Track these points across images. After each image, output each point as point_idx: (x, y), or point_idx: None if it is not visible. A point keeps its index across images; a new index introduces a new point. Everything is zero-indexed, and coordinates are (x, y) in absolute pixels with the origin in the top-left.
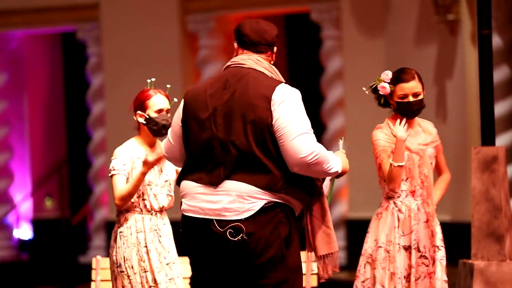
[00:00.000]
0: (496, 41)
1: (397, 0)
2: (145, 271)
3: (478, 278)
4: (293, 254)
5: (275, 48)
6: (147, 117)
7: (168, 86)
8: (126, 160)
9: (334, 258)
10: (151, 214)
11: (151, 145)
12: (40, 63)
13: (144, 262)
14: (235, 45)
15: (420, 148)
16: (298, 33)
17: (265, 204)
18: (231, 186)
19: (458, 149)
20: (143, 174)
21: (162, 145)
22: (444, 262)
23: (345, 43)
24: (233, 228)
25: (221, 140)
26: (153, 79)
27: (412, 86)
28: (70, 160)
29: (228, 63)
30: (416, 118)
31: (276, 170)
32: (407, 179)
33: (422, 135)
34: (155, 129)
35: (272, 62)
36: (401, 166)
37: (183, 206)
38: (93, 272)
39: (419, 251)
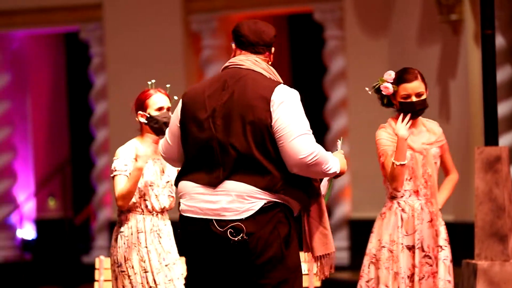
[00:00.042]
0: (499, 41)
1: (400, 0)
2: (145, 272)
3: (482, 278)
4: (293, 254)
5: (273, 49)
6: (148, 116)
7: (168, 85)
8: (128, 160)
9: (331, 258)
10: (152, 214)
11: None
12: (43, 63)
13: (144, 262)
14: (233, 45)
15: (423, 147)
16: (301, 33)
17: (265, 204)
18: (230, 186)
19: (461, 149)
20: (139, 169)
21: (159, 145)
22: (447, 262)
23: (348, 43)
24: (233, 228)
25: (220, 141)
26: (154, 81)
27: (415, 86)
28: (73, 160)
29: (226, 64)
30: (420, 117)
31: (276, 171)
32: (410, 178)
33: (426, 134)
34: (157, 127)
35: (270, 62)
36: (403, 164)
37: (182, 207)
38: (96, 272)
39: (423, 250)
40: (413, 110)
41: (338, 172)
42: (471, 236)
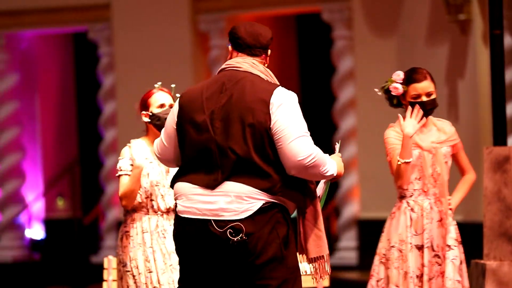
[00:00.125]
0: (508, 41)
1: (408, 0)
2: (149, 272)
3: (490, 278)
4: (292, 255)
5: (269, 51)
6: (151, 114)
7: (173, 85)
8: (133, 160)
9: (325, 260)
10: (158, 215)
11: None
12: (51, 63)
13: (149, 262)
14: (229, 47)
15: (432, 146)
16: (309, 33)
17: (263, 204)
18: (229, 187)
19: (470, 149)
20: (138, 167)
21: (155, 146)
22: (457, 262)
23: (357, 43)
24: (233, 228)
25: (219, 144)
26: (160, 83)
27: (425, 86)
28: (81, 160)
29: (223, 66)
30: (431, 117)
31: (274, 173)
32: (419, 178)
33: (436, 133)
34: (159, 124)
35: (266, 65)
36: (408, 162)
37: (179, 208)
38: (105, 272)
39: (433, 250)
40: (423, 110)
41: (335, 174)
42: (480, 236)
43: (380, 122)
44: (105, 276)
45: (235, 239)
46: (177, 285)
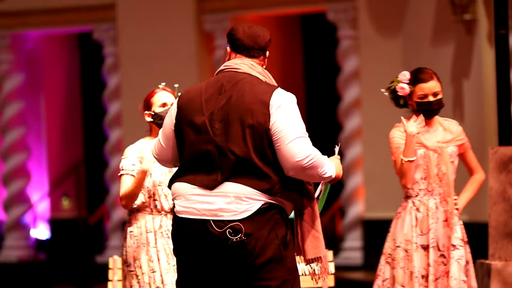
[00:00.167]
0: None
1: (413, 0)
2: (153, 272)
3: (496, 278)
4: (291, 255)
5: (267, 53)
6: (153, 113)
7: (176, 85)
8: (136, 160)
9: (323, 261)
10: (161, 214)
11: None
12: (56, 64)
13: (152, 262)
14: (228, 49)
15: (438, 145)
16: (314, 33)
17: (262, 205)
18: (228, 188)
19: (475, 149)
20: (143, 172)
21: (152, 146)
22: (462, 262)
23: (362, 43)
24: (232, 228)
25: (219, 145)
26: (164, 84)
27: (432, 86)
28: (87, 160)
29: (222, 67)
30: (437, 116)
31: (273, 174)
32: (425, 177)
33: (442, 133)
34: (161, 123)
35: (264, 66)
36: (411, 161)
37: (177, 208)
38: (110, 272)
39: (438, 250)
40: (430, 109)
41: (333, 176)
42: (485, 236)
43: (385, 122)
44: (110, 276)
45: (234, 239)
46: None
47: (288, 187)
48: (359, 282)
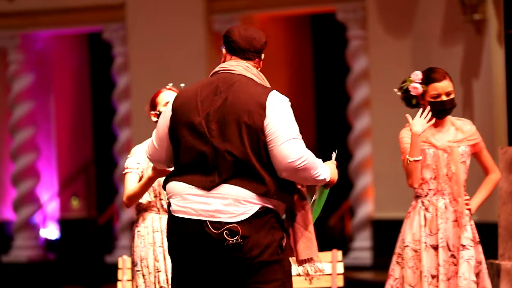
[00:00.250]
0: None
1: (423, 0)
2: (158, 271)
3: (505, 278)
4: (287, 258)
5: (262, 56)
6: (158, 113)
7: (182, 85)
8: (141, 159)
9: (315, 263)
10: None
11: None
12: (66, 63)
13: (158, 262)
14: (223, 50)
15: (448, 145)
16: (324, 33)
17: (259, 208)
18: (226, 190)
19: None
20: (151, 179)
21: (146, 146)
22: (472, 262)
23: (371, 43)
24: (229, 230)
25: (216, 146)
26: (171, 84)
27: (445, 86)
28: (96, 160)
29: (217, 69)
30: (449, 116)
31: (269, 176)
32: (434, 177)
33: (453, 132)
34: None
35: (259, 69)
36: (417, 160)
37: (173, 207)
38: (119, 271)
39: (449, 250)
40: (443, 109)
41: (328, 180)
42: (495, 236)
43: (395, 122)
44: (119, 276)
45: (231, 241)
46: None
47: (281, 189)
48: (369, 282)
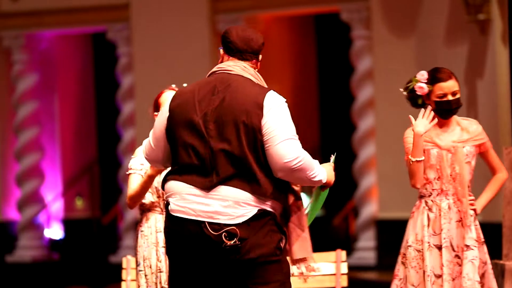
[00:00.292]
0: None
1: (427, 0)
2: (160, 272)
3: (510, 278)
4: (286, 259)
5: (260, 57)
6: None
7: (185, 84)
8: (145, 160)
9: (309, 262)
10: None
11: None
12: (70, 63)
13: (160, 262)
14: (221, 51)
15: (452, 145)
16: (328, 33)
17: (258, 211)
18: (226, 192)
19: None
20: (151, 177)
21: (143, 146)
22: (476, 262)
23: (375, 42)
24: (228, 232)
25: (214, 146)
26: (174, 85)
27: (451, 85)
28: (100, 160)
29: (214, 69)
30: (455, 116)
31: (266, 176)
32: (438, 178)
33: (458, 132)
34: None
35: (256, 70)
36: (419, 161)
37: (172, 207)
38: (124, 271)
39: (453, 250)
40: (450, 108)
41: (324, 181)
42: (499, 236)
43: (399, 122)
44: (123, 276)
45: (229, 243)
46: None
47: (277, 189)
48: (373, 282)
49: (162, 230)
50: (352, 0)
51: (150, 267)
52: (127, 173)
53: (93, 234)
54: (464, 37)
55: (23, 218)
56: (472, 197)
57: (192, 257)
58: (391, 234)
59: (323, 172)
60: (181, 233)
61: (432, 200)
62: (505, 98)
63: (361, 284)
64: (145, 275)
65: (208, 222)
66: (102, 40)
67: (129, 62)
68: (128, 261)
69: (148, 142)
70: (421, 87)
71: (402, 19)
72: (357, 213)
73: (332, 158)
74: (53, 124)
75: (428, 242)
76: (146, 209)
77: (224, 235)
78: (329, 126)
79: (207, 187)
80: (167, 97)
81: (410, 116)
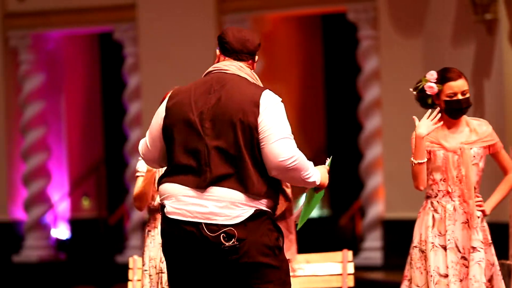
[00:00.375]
0: None
1: (434, 0)
2: (161, 272)
3: None
4: (285, 257)
5: (256, 57)
6: None
7: None
8: None
9: (293, 263)
10: None
11: None
12: (77, 63)
13: (162, 263)
14: (217, 51)
15: (459, 147)
16: (334, 33)
17: (254, 211)
18: (220, 193)
19: None
20: (150, 170)
21: (140, 145)
22: (483, 264)
23: (382, 43)
24: (225, 233)
25: (210, 145)
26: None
27: (460, 85)
28: (107, 160)
29: (210, 69)
30: (465, 116)
31: (260, 176)
32: (444, 179)
33: (467, 134)
34: None
35: (252, 70)
36: (421, 163)
37: (167, 209)
38: (130, 271)
39: (459, 251)
40: (459, 107)
41: (318, 183)
42: (506, 237)
43: (405, 122)
44: (130, 276)
45: (227, 244)
46: None
47: (270, 189)
48: (379, 282)
49: None
50: (359, 0)
51: (155, 268)
52: (136, 175)
53: (100, 234)
54: (471, 37)
55: (30, 218)
56: (480, 199)
57: (190, 259)
58: (397, 234)
59: (318, 173)
60: (178, 235)
61: (437, 201)
62: None
63: (368, 284)
64: (150, 275)
65: (205, 223)
66: (108, 40)
67: (136, 62)
68: (134, 261)
69: (144, 142)
70: (431, 87)
71: (409, 19)
72: (363, 213)
73: (328, 161)
74: (59, 124)
75: (432, 243)
76: (154, 210)
77: (223, 236)
78: (335, 126)
79: (202, 187)
80: None
81: (414, 117)
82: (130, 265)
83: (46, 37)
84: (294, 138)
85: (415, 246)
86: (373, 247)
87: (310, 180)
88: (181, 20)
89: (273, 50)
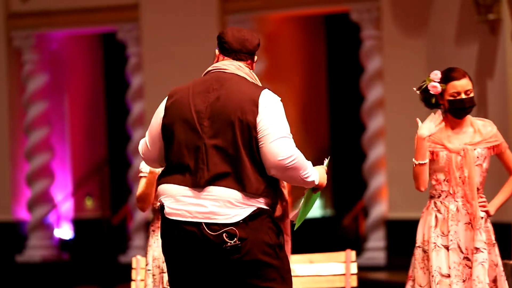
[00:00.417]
0: None
1: (437, 0)
2: (163, 272)
3: None
4: (286, 256)
5: (255, 57)
6: None
7: None
8: None
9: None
10: None
11: None
12: (80, 64)
13: (164, 263)
14: (217, 51)
15: (462, 147)
16: (338, 33)
17: (254, 210)
18: (218, 192)
19: None
20: (152, 172)
21: (139, 145)
22: (486, 265)
23: (385, 43)
24: (227, 232)
25: (208, 143)
26: None
27: (464, 84)
28: (110, 160)
29: (210, 68)
30: (470, 116)
31: (259, 174)
32: (447, 180)
33: (470, 134)
34: None
35: (251, 71)
36: (422, 164)
37: (167, 210)
38: (133, 271)
39: (462, 252)
40: (463, 107)
41: (316, 183)
42: (509, 237)
43: (409, 122)
44: (133, 276)
45: (229, 243)
46: None
47: (269, 187)
48: (382, 282)
49: None
50: (362, 0)
51: (159, 267)
52: (139, 175)
53: (103, 234)
54: (474, 37)
55: (33, 218)
56: (483, 199)
57: (191, 259)
58: (401, 234)
59: (316, 173)
60: (179, 236)
61: (441, 202)
62: None
63: (371, 285)
64: (153, 275)
65: (206, 223)
66: (112, 40)
67: (139, 62)
68: (137, 261)
69: (144, 142)
70: (435, 86)
71: (412, 19)
72: (367, 213)
73: (326, 161)
74: (63, 124)
75: (434, 243)
76: (158, 210)
77: (225, 235)
78: (338, 126)
79: (199, 185)
80: None
81: (417, 119)
82: (133, 265)
83: (50, 37)
84: (297, 138)
85: (418, 246)
86: (377, 247)
87: (309, 179)
88: (184, 20)
89: (276, 50)
